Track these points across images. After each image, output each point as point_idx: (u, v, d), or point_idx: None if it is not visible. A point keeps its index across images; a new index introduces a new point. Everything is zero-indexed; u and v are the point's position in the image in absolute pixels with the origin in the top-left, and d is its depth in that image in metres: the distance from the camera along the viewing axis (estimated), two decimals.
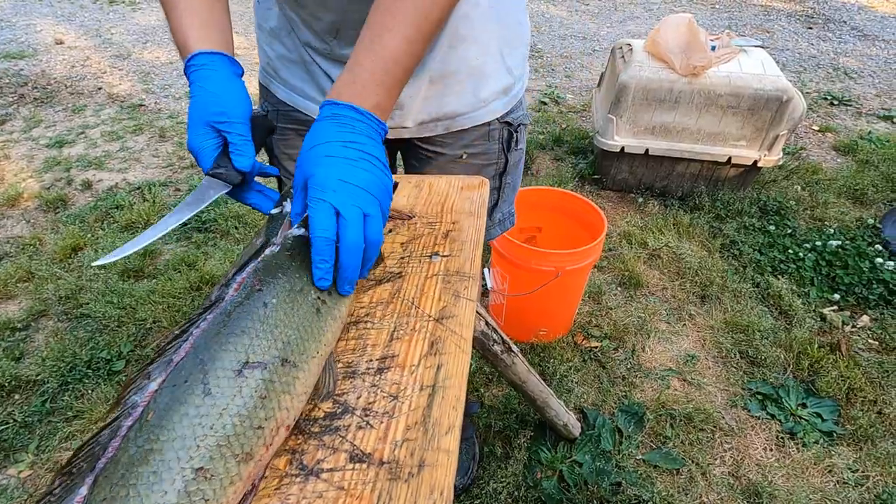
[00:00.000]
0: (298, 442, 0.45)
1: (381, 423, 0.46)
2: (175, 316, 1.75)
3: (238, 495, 0.39)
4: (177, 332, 0.46)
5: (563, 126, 2.81)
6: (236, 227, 2.12)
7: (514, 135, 0.84)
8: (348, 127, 0.52)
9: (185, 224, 2.18)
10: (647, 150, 2.08)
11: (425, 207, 0.73)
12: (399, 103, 0.76)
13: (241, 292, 0.48)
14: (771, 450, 1.37)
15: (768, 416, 1.44)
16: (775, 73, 1.94)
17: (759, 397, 1.48)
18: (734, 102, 1.93)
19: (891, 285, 1.75)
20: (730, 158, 2.04)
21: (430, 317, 0.56)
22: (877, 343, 1.61)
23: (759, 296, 1.79)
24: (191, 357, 0.42)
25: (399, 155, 0.93)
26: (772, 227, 2.02)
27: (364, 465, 0.43)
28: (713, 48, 1.99)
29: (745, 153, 2.02)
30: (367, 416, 0.47)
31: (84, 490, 0.35)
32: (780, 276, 1.84)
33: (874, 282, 1.77)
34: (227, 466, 0.38)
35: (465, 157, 0.84)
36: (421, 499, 0.40)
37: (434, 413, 0.46)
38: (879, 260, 1.82)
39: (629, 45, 2.16)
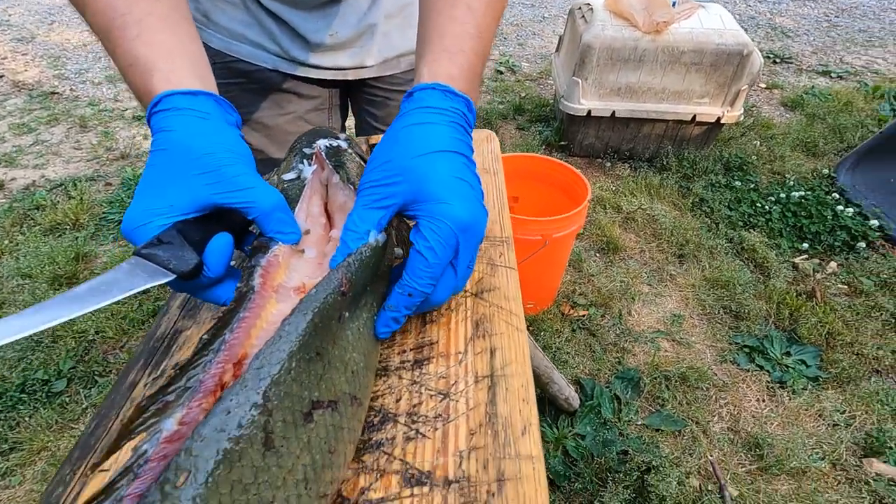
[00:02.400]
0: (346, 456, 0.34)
1: (435, 429, 0.36)
2: (121, 324, 1.55)
3: None
4: (206, 339, 0.33)
5: (523, 95, 2.74)
6: None
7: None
8: (465, 135, 0.41)
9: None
10: (613, 113, 2.04)
11: None
12: (359, 40, 0.70)
13: (323, 288, 0.34)
14: (764, 401, 1.38)
15: (757, 368, 1.45)
16: (735, 28, 1.93)
17: (746, 350, 1.49)
18: (697, 59, 1.91)
19: (852, 231, 1.81)
20: (694, 116, 2.03)
21: (467, 292, 0.46)
22: (846, 287, 1.66)
23: (734, 251, 1.80)
24: (246, 388, 0.28)
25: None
26: (737, 183, 2.04)
27: (426, 489, 0.33)
28: (674, 4, 1.96)
29: (709, 110, 2.02)
30: (414, 422, 0.37)
31: None
32: (751, 230, 1.86)
33: (837, 228, 1.82)
34: None
35: None
36: None
37: (500, 410, 0.37)
38: (840, 207, 1.88)
39: (588, 4, 2.09)
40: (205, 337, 0.33)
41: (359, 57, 0.72)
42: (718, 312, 1.60)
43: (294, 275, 0.39)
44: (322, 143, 0.52)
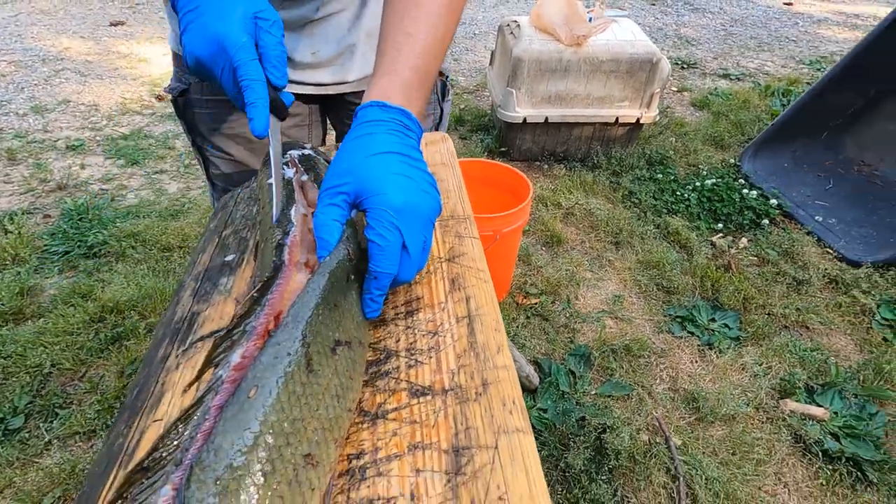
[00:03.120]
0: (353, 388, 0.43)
1: (430, 357, 0.46)
2: (79, 354, 1.52)
3: (327, 481, 0.36)
4: (255, 297, 0.42)
5: (462, 107, 2.89)
6: (133, 247, 1.89)
7: (446, 84, 0.87)
8: (403, 137, 0.49)
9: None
10: (546, 119, 2.23)
11: None
12: (339, 59, 0.76)
13: (334, 257, 0.45)
14: (696, 362, 1.56)
15: (688, 335, 1.64)
16: (644, 39, 2.18)
17: (679, 320, 1.68)
18: (614, 67, 2.14)
19: (757, 210, 2.07)
20: (617, 119, 2.25)
21: (441, 258, 0.56)
22: (756, 258, 1.91)
23: (661, 235, 2.01)
24: (289, 329, 0.38)
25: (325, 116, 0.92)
26: (659, 176, 2.28)
27: (428, 397, 0.42)
28: (590, 19, 2.18)
29: (629, 112, 2.25)
30: (412, 354, 0.46)
31: (168, 489, 0.30)
32: (674, 216, 2.09)
33: (744, 209, 2.08)
34: (328, 452, 0.35)
35: None
36: (496, 411, 0.41)
37: (479, 338, 0.47)
38: (745, 191, 2.14)
39: (516, 22, 2.28)
40: (255, 294, 0.42)
41: (339, 74, 0.76)
42: (653, 290, 1.79)
43: (303, 252, 0.49)
44: (293, 152, 0.63)
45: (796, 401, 1.43)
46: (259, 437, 0.31)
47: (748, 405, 1.42)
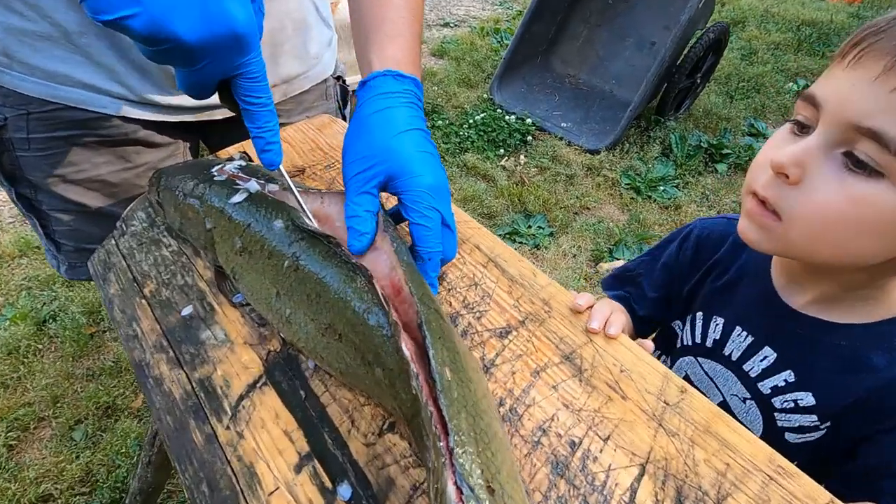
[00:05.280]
0: None
1: (488, 304, 0.50)
2: None
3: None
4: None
5: None
6: None
7: (347, 91, 0.82)
8: (418, 110, 0.47)
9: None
10: None
11: (304, 157, 0.68)
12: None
13: (404, 254, 0.45)
14: (534, 262, 1.88)
15: (520, 244, 1.94)
16: None
17: (508, 236, 1.97)
18: None
19: (520, 131, 2.49)
20: None
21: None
22: (536, 168, 2.33)
23: (465, 172, 2.27)
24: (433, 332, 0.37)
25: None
26: (439, 123, 2.51)
27: (514, 333, 0.47)
28: None
29: None
30: (472, 309, 0.50)
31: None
32: (466, 153, 2.36)
33: (512, 132, 2.48)
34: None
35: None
36: (569, 317, 0.49)
37: (512, 272, 0.53)
38: (507, 118, 2.54)
39: None
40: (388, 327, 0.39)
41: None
42: (478, 220, 2.03)
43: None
44: (230, 167, 0.54)
45: (607, 262, 1.87)
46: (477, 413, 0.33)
47: (580, 279, 1.80)
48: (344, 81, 0.83)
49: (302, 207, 0.48)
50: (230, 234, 0.48)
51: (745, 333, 0.55)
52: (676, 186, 2.25)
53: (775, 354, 0.52)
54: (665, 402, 0.42)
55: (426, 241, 0.45)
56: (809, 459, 0.52)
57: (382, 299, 0.37)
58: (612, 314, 0.48)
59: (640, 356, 0.45)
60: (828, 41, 3.64)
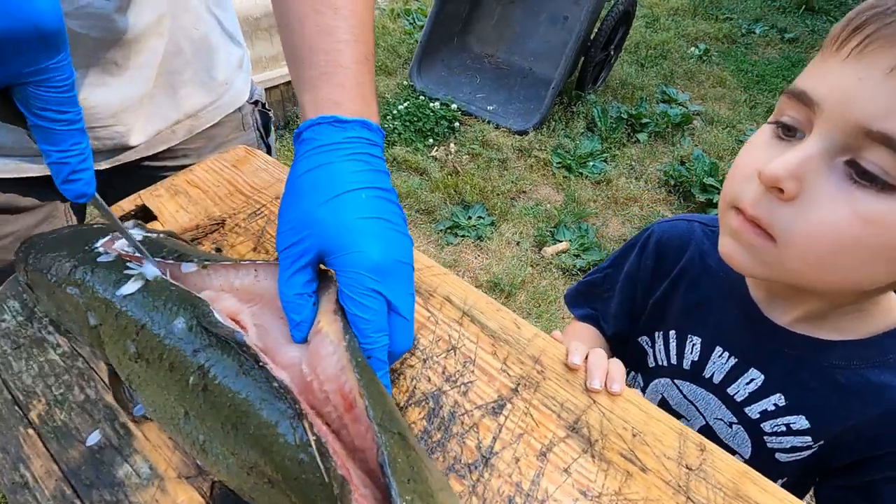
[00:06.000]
0: (441, 456, 0.38)
1: (472, 372, 0.43)
2: None
3: None
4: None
5: None
6: None
7: (269, 116, 0.70)
8: (368, 160, 0.36)
9: None
10: None
11: (221, 204, 0.57)
12: (114, 116, 0.52)
13: (351, 342, 0.36)
14: (479, 255, 1.84)
15: (462, 238, 1.89)
16: None
17: (450, 230, 1.91)
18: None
19: (447, 117, 2.42)
20: None
21: None
22: (468, 156, 2.27)
23: (397, 168, 2.16)
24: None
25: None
26: None
27: (508, 406, 0.41)
28: None
29: None
30: (454, 383, 0.43)
31: None
32: (394, 146, 2.25)
33: (439, 120, 2.40)
34: None
35: None
36: (565, 374, 0.43)
37: (492, 325, 0.47)
38: (431, 105, 2.45)
39: None
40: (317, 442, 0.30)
41: (118, 138, 0.52)
42: (417, 217, 1.96)
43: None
44: (120, 245, 0.43)
45: (549, 246, 1.87)
46: None
47: (526, 266, 1.79)
48: (264, 106, 0.71)
49: (149, 260, 0.39)
50: (120, 335, 0.37)
51: (726, 354, 0.52)
52: (605, 161, 2.28)
53: (763, 377, 0.49)
54: (687, 468, 0.38)
55: (364, 334, 0.35)
56: (800, 474, 0.51)
57: (319, 446, 0.28)
58: (611, 365, 0.43)
59: (649, 412, 0.41)
60: (719, 4, 3.85)
